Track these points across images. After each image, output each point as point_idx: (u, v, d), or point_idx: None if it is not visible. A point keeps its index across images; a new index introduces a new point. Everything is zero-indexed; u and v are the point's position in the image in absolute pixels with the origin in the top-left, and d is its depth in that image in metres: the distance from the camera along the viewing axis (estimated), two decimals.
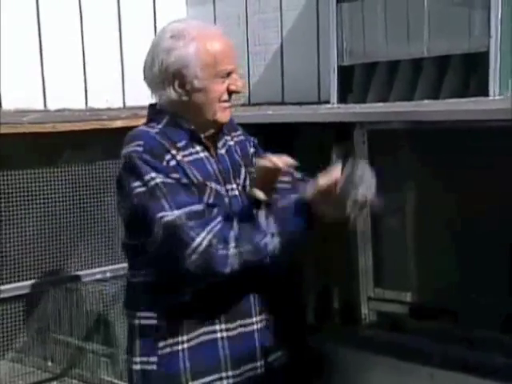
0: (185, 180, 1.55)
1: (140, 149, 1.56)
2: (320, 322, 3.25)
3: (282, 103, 3.77)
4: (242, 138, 1.84)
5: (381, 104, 3.02)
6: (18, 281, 2.83)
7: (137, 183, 1.54)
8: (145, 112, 1.76)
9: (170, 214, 1.49)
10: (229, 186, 1.66)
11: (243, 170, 1.75)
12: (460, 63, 2.84)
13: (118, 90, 3.73)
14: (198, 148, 1.65)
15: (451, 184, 2.93)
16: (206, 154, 1.66)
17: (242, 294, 1.65)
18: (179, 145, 1.61)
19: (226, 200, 1.63)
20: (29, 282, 2.88)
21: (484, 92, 2.76)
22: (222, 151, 1.72)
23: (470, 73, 2.86)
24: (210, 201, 1.58)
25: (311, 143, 3.36)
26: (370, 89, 3.14)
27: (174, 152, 1.58)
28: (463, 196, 2.89)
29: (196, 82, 1.60)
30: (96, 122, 2.98)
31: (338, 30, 3.18)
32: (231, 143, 1.78)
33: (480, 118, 2.51)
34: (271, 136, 2.89)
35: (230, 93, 1.65)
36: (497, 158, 2.77)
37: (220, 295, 1.60)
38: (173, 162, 1.56)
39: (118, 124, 2.96)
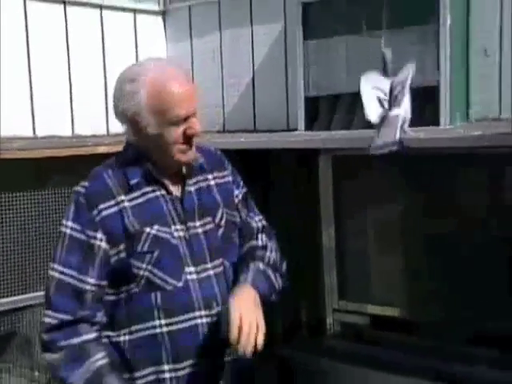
0: (92, 241, 1.55)
1: (82, 190, 1.60)
2: (289, 333, 3.44)
3: (255, 130, 3.94)
4: (228, 179, 1.80)
5: (344, 131, 3.26)
6: (7, 296, 2.97)
7: (63, 220, 1.61)
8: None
9: (56, 268, 1.57)
10: (190, 224, 1.63)
11: (221, 210, 1.71)
12: (414, 95, 3.12)
13: (102, 117, 3.88)
14: (155, 186, 1.63)
15: (408, 203, 3.18)
16: (163, 192, 1.63)
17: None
18: (133, 182, 1.61)
19: (175, 241, 1.60)
20: (14, 298, 3.01)
21: (435, 122, 3.02)
22: (191, 189, 1.68)
23: (424, 104, 3.11)
24: (145, 248, 1.57)
25: (283, 167, 3.59)
26: (334, 118, 3.38)
27: (120, 198, 1.58)
28: (421, 214, 3.14)
29: (149, 128, 1.58)
30: (82, 148, 3.15)
31: (304, 65, 3.40)
32: (211, 182, 1.74)
33: (431, 145, 2.78)
34: (247, 161, 3.13)
35: (188, 136, 1.61)
36: (447, 180, 3.04)
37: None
38: (111, 210, 1.57)
39: (102, 150, 3.10)
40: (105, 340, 1.60)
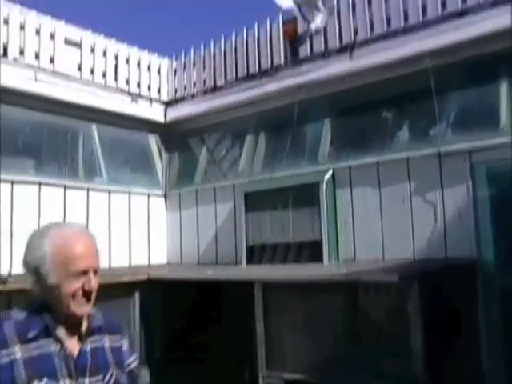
0: None
1: None
2: None
3: (216, 263, 5.90)
4: (124, 346, 1.83)
5: (268, 265, 5.26)
6: None
7: None
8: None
9: None
10: (80, 380, 1.62)
11: (111, 371, 1.72)
12: (309, 245, 5.22)
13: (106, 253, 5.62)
14: (50, 340, 1.62)
15: (306, 312, 4.25)
16: (58, 347, 1.62)
17: None
18: (31, 335, 1.59)
19: None
20: None
21: (320, 261, 5.10)
22: (87, 347, 1.69)
23: (314, 251, 5.17)
24: None
25: (232, 295, 4.88)
26: (263, 257, 5.48)
27: (13, 349, 1.56)
28: (316, 318, 4.21)
29: (50, 279, 1.61)
30: None
31: (245, 227, 5.53)
32: (106, 344, 1.76)
33: (317, 277, 4.35)
34: (204, 290, 4.76)
35: (85, 291, 1.64)
36: (327, 296, 4.43)
37: None
38: (2, 361, 1.54)
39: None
40: None
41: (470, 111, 4.94)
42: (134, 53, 6.72)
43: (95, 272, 1.68)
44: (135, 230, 6.27)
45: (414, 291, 3.59)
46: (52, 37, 5.91)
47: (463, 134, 4.79)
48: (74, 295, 1.64)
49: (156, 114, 6.69)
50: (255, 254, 5.52)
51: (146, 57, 6.84)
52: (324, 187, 5.13)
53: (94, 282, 1.66)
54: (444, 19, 4.88)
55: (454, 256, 4.60)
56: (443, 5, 4.95)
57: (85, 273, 1.65)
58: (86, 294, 1.66)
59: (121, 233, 6.08)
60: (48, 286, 1.63)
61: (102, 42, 6.42)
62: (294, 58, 5.70)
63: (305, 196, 5.25)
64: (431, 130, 4.97)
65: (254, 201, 5.50)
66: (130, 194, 6.24)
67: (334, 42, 5.46)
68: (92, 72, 6.22)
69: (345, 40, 5.41)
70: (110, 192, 6.03)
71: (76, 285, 1.63)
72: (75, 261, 1.63)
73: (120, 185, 6.19)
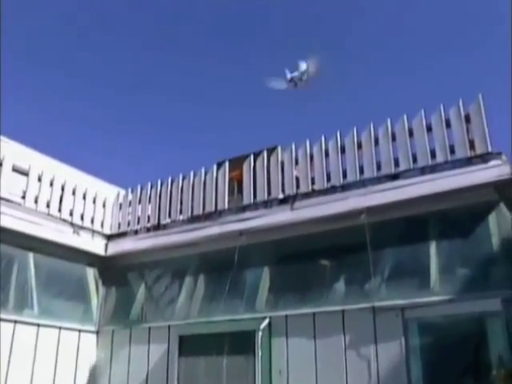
0: None
1: None
2: None
3: None
4: None
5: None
6: None
7: None
8: None
9: None
10: None
11: None
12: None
13: None
14: None
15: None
16: None
17: None
18: None
19: None
20: None
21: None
22: None
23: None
24: None
25: None
26: None
27: None
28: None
29: None
30: None
31: (178, 373, 5.42)
32: None
33: None
34: None
35: None
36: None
37: None
38: None
39: None
40: None
41: (402, 268, 5.17)
42: (81, 184, 6.80)
43: None
44: (61, 368, 5.95)
45: None
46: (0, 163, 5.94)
47: (396, 290, 4.97)
48: None
49: (97, 246, 6.67)
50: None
51: (92, 189, 6.93)
52: (260, 335, 5.16)
53: None
54: (378, 180, 5.24)
55: None
56: (378, 167, 5.34)
57: None
58: None
59: (45, 372, 5.75)
60: None
61: (50, 170, 6.49)
62: (237, 204, 5.90)
63: (240, 343, 5.28)
64: (366, 283, 5.13)
65: (189, 345, 5.44)
66: (60, 328, 6.00)
67: (277, 192, 5.72)
68: (36, 201, 6.22)
69: (287, 191, 5.67)
70: (38, 326, 5.81)
71: None
72: None
73: (51, 318, 5.99)
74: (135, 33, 16.33)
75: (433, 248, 4.97)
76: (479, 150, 4.85)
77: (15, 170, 6.16)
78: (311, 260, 5.48)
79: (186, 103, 17.20)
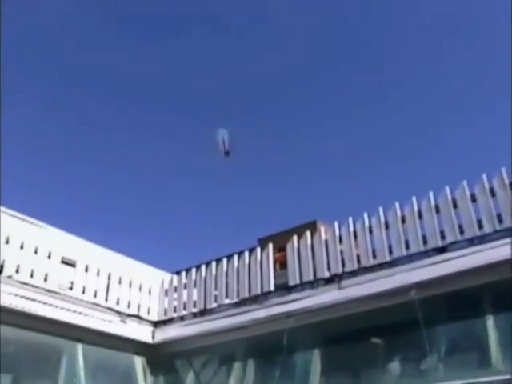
0: None
1: None
2: None
3: None
4: None
5: None
6: None
7: None
8: None
9: None
10: None
11: None
12: None
13: None
14: None
15: None
16: None
17: None
18: None
19: None
20: None
21: None
22: None
23: None
24: None
25: None
26: None
27: None
28: None
29: None
30: None
31: None
32: None
33: None
34: None
35: None
36: None
37: None
38: None
39: None
40: None
41: (458, 345, 4.98)
42: (126, 269, 6.86)
43: None
44: None
45: None
46: (49, 256, 6.08)
47: (455, 369, 4.75)
48: None
49: (144, 334, 6.63)
50: None
51: (138, 275, 6.98)
52: None
53: None
54: (426, 254, 5.14)
55: None
56: (424, 241, 5.25)
57: None
58: None
59: None
60: None
61: (94, 257, 6.59)
62: (283, 286, 5.85)
63: None
64: (422, 363, 4.92)
65: None
66: None
67: (322, 272, 5.66)
68: (83, 291, 6.29)
69: (333, 270, 5.61)
70: None
71: None
72: None
73: None
74: None
75: (490, 322, 4.78)
76: None
77: (64, 262, 6.29)
78: (362, 340, 5.32)
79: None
